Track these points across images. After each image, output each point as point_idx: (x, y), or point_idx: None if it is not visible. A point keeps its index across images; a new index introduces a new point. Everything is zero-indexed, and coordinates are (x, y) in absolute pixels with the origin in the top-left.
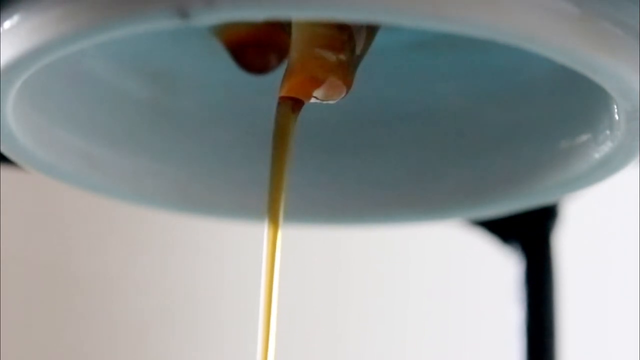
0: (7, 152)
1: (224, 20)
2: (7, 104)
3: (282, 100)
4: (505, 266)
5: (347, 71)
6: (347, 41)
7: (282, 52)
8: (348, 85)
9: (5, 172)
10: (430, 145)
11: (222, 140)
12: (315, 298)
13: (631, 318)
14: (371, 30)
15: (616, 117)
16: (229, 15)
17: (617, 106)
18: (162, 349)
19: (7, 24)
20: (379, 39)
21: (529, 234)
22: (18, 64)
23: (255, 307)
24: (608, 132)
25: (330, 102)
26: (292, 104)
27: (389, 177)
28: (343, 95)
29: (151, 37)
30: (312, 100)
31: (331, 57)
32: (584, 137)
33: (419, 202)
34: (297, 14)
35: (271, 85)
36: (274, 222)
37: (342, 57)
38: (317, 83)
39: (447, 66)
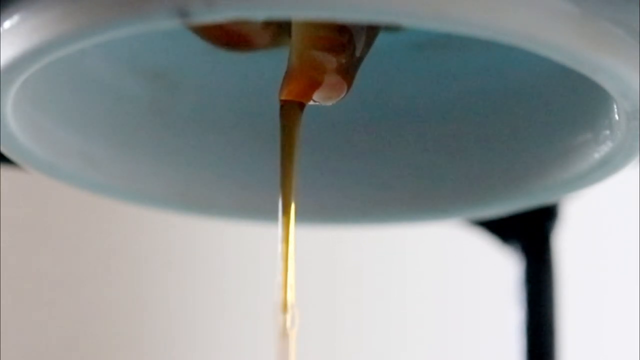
0: (7, 152)
1: (224, 20)
2: (7, 104)
3: (283, 103)
4: (505, 266)
5: (347, 73)
6: (347, 43)
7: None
8: (348, 87)
9: (5, 172)
10: (430, 145)
11: (222, 140)
12: (313, 298)
13: (631, 318)
14: (371, 32)
15: (616, 117)
16: (229, 14)
17: (617, 106)
18: (162, 348)
19: (7, 24)
20: (379, 38)
21: (529, 234)
22: (18, 64)
23: (254, 307)
24: (608, 132)
25: (329, 103)
26: (295, 106)
27: (389, 177)
28: (342, 96)
29: (151, 37)
30: (311, 102)
31: (331, 59)
32: (584, 137)
33: (419, 202)
34: (297, 14)
35: (270, 85)
36: (287, 221)
37: (342, 59)
38: (317, 86)
39: (447, 66)
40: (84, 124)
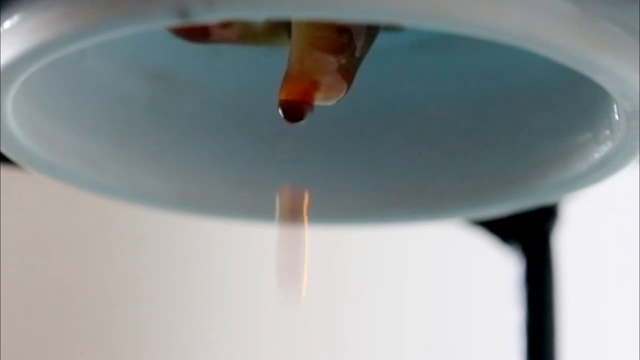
0: (7, 152)
1: (224, 20)
2: (7, 104)
3: (283, 103)
4: (505, 266)
5: (347, 73)
6: (347, 44)
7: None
8: (347, 87)
9: (5, 172)
10: (430, 145)
11: (222, 140)
12: (313, 298)
13: (631, 318)
14: (371, 31)
15: (616, 117)
16: (229, 14)
17: (617, 106)
18: (162, 348)
19: (7, 24)
20: (379, 38)
21: (529, 234)
22: (18, 64)
23: (253, 307)
24: (608, 132)
25: (329, 103)
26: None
27: (389, 177)
28: (342, 96)
29: (151, 37)
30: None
31: (331, 60)
32: (584, 137)
33: (419, 202)
34: (297, 14)
35: (270, 85)
36: None
37: (342, 59)
38: (317, 86)
39: (447, 66)
40: (84, 124)
